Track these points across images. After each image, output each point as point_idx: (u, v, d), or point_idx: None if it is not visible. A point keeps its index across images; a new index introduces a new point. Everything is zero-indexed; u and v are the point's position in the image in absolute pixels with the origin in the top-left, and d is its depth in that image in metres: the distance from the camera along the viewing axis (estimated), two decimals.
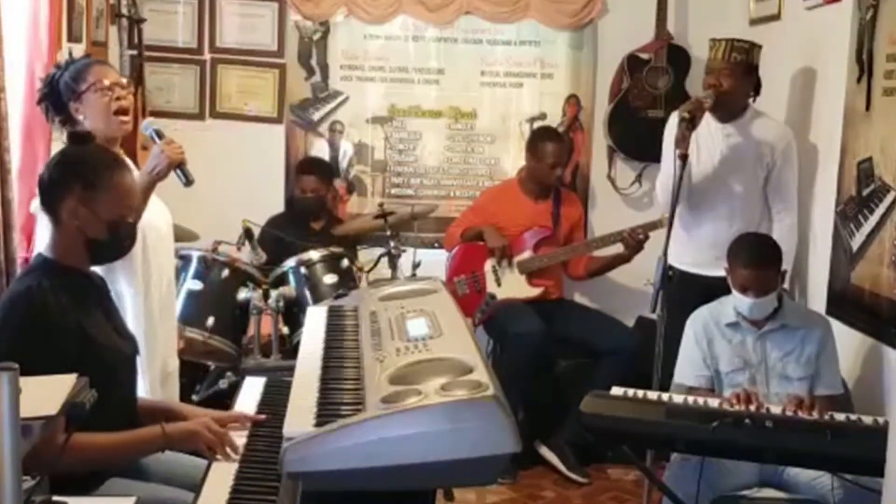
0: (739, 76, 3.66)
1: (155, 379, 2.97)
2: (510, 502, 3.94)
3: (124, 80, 2.91)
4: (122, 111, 2.82)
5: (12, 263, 3.07)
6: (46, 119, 2.92)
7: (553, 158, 4.45)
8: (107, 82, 2.80)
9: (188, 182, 2.88)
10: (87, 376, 1.71)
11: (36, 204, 2.98)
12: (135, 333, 2.81)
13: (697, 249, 3.77)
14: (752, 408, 2.70)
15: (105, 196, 2.23)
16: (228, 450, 2.19)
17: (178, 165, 2.85)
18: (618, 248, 4.36)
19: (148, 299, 2.94)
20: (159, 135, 2.91)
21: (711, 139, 3.73)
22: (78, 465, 2.09)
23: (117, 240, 2.30)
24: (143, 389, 2.83)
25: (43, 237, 2.63)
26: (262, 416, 2.37)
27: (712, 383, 3.13)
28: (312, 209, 4.69)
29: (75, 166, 2.25)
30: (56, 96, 2.83)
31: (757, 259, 3.07)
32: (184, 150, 2.88)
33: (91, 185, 2.22)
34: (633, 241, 4.21)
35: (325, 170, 4.82)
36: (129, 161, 2.40)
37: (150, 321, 2.94)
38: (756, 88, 3.76)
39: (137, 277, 2.90)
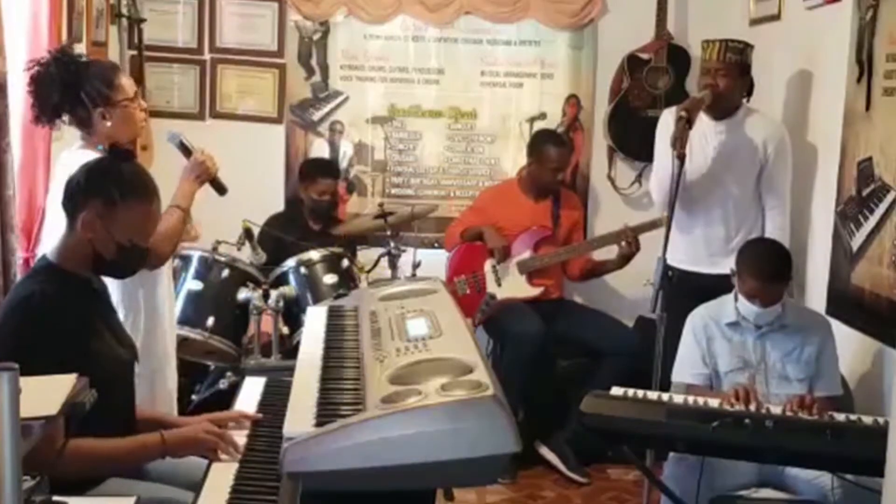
0: (735, 76, 3.67)
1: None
2: (510, 502, 3.94)
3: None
4: (144, 118, 3.02)
5: (9, 266, 3.06)
6: (39, 110, 2.86)
7: (555, 164, 4.45)
8: (132, 92, 2.94)
9: (223, 191, 3.13)
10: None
11: (49, 199, 3.06)
12: (165, 336, 2.99)
13: (692, 248, 3.77)
14: (752, 407, 2.70)
15: (123, 218, 2.23)
16: (230, 448, 2.19)
17: (215, 176, 3.07)
18: (611, 254, 4.36)
19: (164, 307, 3.06)
20: (185, 146, 3.08)
21: (705, 137, 3.73)
22: (77, 470, 2.10)
23: (123, 262, 2.30)
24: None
25: (51, 237, 2.64)
26: (259, 416, 2.37)
27: (710, 381, 3.12)
28: (330, 211, 4.69)
29: (105, 180, 2.25)
30: (69, 93, 2.84)
31: (769, 273, 3.06)
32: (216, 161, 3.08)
33: (113, 203, 2.22)
34: (627, 242, 4.20)
35: (336, 170, 4.83)
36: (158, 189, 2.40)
37: (172, 325, 3.12)
38: (749, 89, 3.76)
39: (168, 282, 3.08)
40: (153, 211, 2.32)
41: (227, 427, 2.34)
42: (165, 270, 3.05)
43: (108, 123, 2.88)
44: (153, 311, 2.99)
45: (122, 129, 2.93)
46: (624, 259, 4.27)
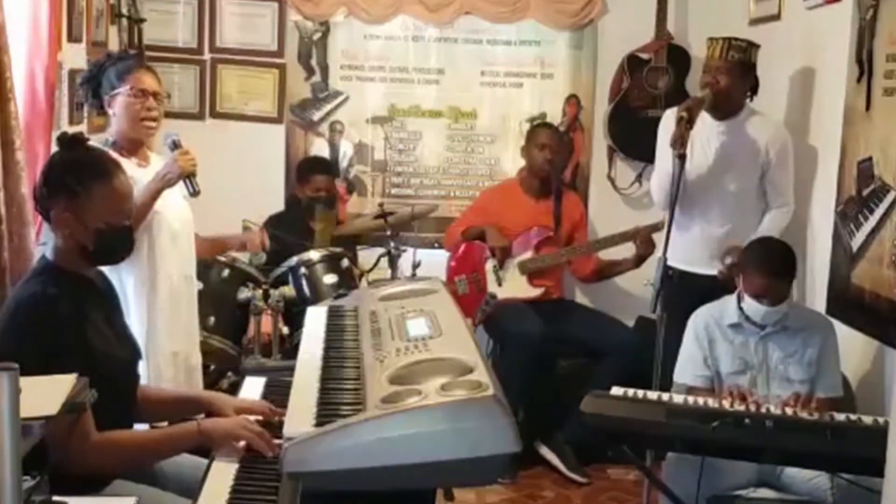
0: (736, 75, 3.66)
1: (179, 373, 3.08)
2: (510, 502, 3.94)
3: (161, 91, 3.08)
4: (149, 119, 3.01)
5: (28, 260, 3.06)
6: (84, 100, 3.16)
7: (543, 140, 4.47)
8: (143, 89, 2.97)
9: (194, 193, 3.06)
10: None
11: None
12: (139, 329, 2.89)
13: (691, 248, 3.76)
14: (752, 407, 2.70)
15: (90, 205, 2.21)
16: (267, 447, 2.15)
17: (189, 176, 3.01)
18: (625, 254, 4.37)
19: (154, 296, 3.03)
20: (177, 145, 3.06)
21: (706, 137, 3.72)
22: (111, 462, 2.13)
23: (108, 246, 2.28)
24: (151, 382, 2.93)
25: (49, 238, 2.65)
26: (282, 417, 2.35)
27: (712, 383, 3.12)
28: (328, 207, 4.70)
29: (60, 175, 2.24)
30: (97, 84, 3.02)
31: (777, 270, 3.05)
32: (197, 162, 3.03)
33: (75, 194, 2.21)
34: (642, 242, 4.22)
35: (332, 167, 4.83)
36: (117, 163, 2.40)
37: (154, 317, 3.03)
38: (753, 88, 3.76)
39: (143, 274, 3.01)
40: (117, 187, 2.27)
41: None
42: (140, 268, 2.99)
43: (111, 112, 2.94)
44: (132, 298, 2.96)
45: (121, 121, 2.95)
46: (640, 259, 4.28)
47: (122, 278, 2.94)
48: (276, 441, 2.12)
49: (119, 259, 2.44)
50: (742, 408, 2.68)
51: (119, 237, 2.30)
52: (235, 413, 2.35)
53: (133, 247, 2.41)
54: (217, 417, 2.34)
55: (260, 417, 2.33)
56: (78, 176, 2.22)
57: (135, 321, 2.93)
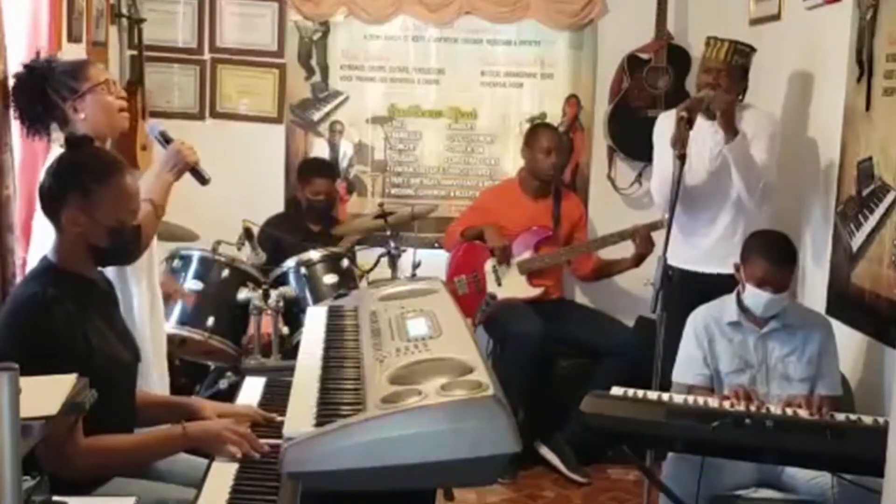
0: (737, 78, 3.67)
1: (161, 378, 3.04)
2: (510, 502, 3.94)
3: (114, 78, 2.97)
4: (123, 109, 2.88)
5: (9, 266, 3.06)
6: (21, 120, 2.81)
7: (546, 143, 4.47)
8: (107, 79, 2.84)
9: (205, 180, 2.99)
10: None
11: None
12: (143, 336, 2.87)
13: (693, 247, 3.77)
14: (753, 407, 2.70)
15: (104, 203, 2.22)
16: (252, 450, 2.15)
17: (194, 166, 2.95)
18: (625, 253, 4.37)
19: (157, 310, 3.04)
20: (166, 137, 2.99)
21: (701, 137, 3.71)
22: (97, 467, 2.12)
23: (120, 245, 2.29)
24: (156, 387, 2.91)
25: (40, 240, 2.63)
26: (276, 416, 2.33)
27: (711, 383, 3.12)
28: (327, 211, 4.70)
29: (73, 174, 2.24)
30: (41, 95, 2.78)
31: (780, 255, 3.06)
32: (196, 150, 2.97)
33: (89, 192, 2.21)
34: (641, 240, 4.22)
35: (334, 170, 4.83)
36: (125, 162, 2.39)
37: (158, 325, 3.03)
38: (744, 91, 3.76)
39: (148, 280, 2.98)
40: (128, 184, 2.28)
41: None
42: (142, 269, 2.95)
43: (82, 115, 2.77)
44: (127, 314, 2.83)
45: (97, 118, 2.79)
46: (640, 258, 4.29)
47: (130, 292, 2.92)
48: (273, 441, 2.12)
49: (131, 259, 2.44)
50: (742, 407, 2.68)
51: (131, 236, 2.32)
52: (218, 418, 2.34)
53: (142, 248, 2.41)
54: (202, 421, 2.33)
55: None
56: (91, 174, 2.23)
57: (140, 334, 2.88)
